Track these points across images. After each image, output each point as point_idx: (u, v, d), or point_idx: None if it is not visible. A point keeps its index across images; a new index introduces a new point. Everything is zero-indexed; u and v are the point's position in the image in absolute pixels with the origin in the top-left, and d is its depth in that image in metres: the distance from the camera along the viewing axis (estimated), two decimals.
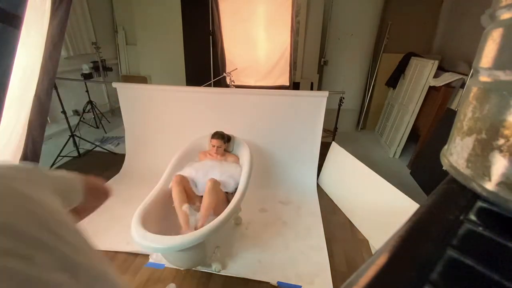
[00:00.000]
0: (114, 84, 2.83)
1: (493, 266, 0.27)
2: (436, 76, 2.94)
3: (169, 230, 1.70)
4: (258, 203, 2.47)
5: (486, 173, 0.32)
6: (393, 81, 3.72)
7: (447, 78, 2.78)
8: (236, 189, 1.85)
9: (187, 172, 1.93)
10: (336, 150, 2.64)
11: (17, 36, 1.22)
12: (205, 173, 1.92)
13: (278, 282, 1.70)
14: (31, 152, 1.73)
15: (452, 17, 3.57)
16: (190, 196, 1.84)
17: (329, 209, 2.43)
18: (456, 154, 0.38)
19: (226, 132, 2.19)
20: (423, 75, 3.00)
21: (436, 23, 3.84)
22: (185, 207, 1.67)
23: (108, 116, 4.55)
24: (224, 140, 2.10)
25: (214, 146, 2.07)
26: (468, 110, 0.37)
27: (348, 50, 3.77)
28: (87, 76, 4.06)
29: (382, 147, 3.70)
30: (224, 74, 3.14)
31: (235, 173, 1.97)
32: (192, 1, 4.11)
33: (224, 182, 1.87)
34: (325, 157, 2.76)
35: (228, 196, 1.88)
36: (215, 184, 1.77)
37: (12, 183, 0.32)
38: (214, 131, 2.13)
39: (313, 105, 2.60)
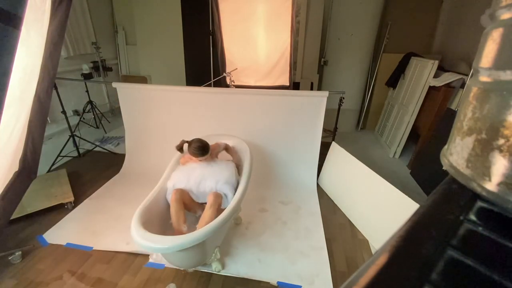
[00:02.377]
0: (114, 84, 2.83)
1: (493, 266, 0.27)
2: (436, 76, 2.93)
3: (169, 230, 1.70)
4: (258, 203, 2.47)
5: (486, 173, 0.32)
6: (393, 81, 3.72)
7: (447, 78, 2.78)
8: (234, 193, 1.80)
9: (178, 180, 1.82)
10: (336, 150, 2.64)
11: (17, 36, 1.22)
12: (197, 183, 1.80)
13: (278, 282, 1.70)
14: (31, 152, 1.73)
15: (452, 17, 3.57)
16: (191, 205, 1.80)
17: (329, 209, 2.43)
18: (456, 154, 0.38)
19: (227, 131, 2.16)
20: (423, 75, 3.00)
21: (436, 23, 3.84)
22: (185, 229, 1.65)
23: (108, 116, 4.55)
24: (207, 151, 1.83)
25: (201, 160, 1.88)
26: (468, 110, 0.37)
27: (348, 50, 3.77)
28: (87, 76, 4.06)
29: (382, 147, 3.70)
30: (224, 74, 3.14)
31: (229, 176, 1.84)
32: (192, 1, 4.11)
33: (222, 192, 1.79)
34: (325, 157, 2.76)
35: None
36: (217, 198, 1.71)
37: None
38: (193, 144, 1.79)
39: (313, 105, 2.60)
